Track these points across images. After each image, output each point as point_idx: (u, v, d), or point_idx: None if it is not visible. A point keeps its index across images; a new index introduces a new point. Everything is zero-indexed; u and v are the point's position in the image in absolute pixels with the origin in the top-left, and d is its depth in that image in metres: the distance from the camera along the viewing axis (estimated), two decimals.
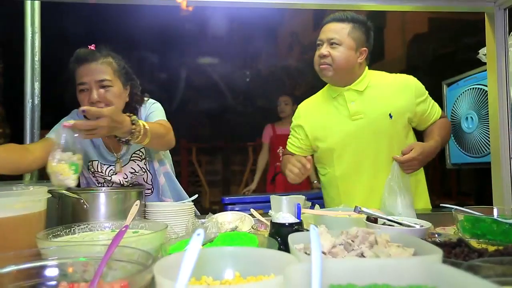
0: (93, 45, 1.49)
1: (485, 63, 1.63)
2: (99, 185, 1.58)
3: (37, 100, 1.43)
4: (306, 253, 0.76)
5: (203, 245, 0.94)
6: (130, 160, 1.58)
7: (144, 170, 1.61)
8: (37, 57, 1.41)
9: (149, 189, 1.64)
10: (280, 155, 3.85)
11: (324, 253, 0.77)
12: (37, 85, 1.41)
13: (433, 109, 1.77)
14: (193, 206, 1.28)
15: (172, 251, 0.86)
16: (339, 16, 1.73)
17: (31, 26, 1.39)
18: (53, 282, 0.67)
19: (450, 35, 5.80)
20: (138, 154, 1.60)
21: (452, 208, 1.07)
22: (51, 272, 0.69)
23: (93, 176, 1.59)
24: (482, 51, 1.84)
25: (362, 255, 0.76)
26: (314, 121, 1.84)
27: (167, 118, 1.63)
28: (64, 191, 1.08)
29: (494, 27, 1.35)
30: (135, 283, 0.61)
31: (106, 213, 1.12)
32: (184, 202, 1.40)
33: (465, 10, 1.40)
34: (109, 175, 1.56)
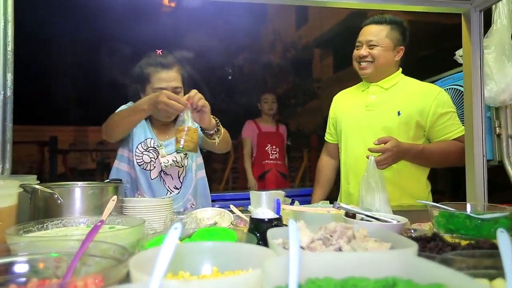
0: (160, 50, 1.74)
1: (461, 64, 1.68)
2: (143, 164, 1.74)
3: (9, 92, 1.37)
4: (284, 248, 0.76)
5: (181, 240, 0.93)
6: (175, 150, 1.74)
7: (181, 165, 1.78)
8: (10, 47, 1.35)
9: (177, 188, 1.78)
10: (269, 153, 3.84)
11: (302, 248, 0.77)
12: (9, 76, 1.35)
13: (451, 127, 1.77)
14: (172, 202, 1.26)
15: (149, 246, 0.84)
16: (377, 19, 1.86)
17: (3, 15, 1.33)
18: (23, 279, 0.65)
19: (429, 38, 5.94)
20: None
21: (428, 204, 1.10)
22: (21, 268, 0.66)
23: (143, 153, 1.75)
24: (459, 52, 1.90)
25: (340, 250, 0.77)
26: (340, 107, 2.06)
27: None
28: (36, 186, 1.05)
29: (470, 28, 1.38)
30: (110, 278, 0.59)
31: (82, 209, 1.08)
32: (163, 198, 1.38)
33: (443, 11, 1.43)
34: (156, 156, 1.74)
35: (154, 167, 1.75)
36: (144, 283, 0.50)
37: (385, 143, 1.59)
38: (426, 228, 1.17)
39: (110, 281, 0.59)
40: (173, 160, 1.76)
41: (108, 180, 1.47)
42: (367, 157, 1.45)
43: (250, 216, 0.98)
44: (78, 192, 1.09)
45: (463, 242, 0.83)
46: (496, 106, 1.95)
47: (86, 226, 0.97)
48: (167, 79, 1.67)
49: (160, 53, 1.74)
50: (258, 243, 0.86)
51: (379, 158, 1.54)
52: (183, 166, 1.79)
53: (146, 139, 1.77)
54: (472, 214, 0.97)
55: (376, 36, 1.82)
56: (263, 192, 1.00)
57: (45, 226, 0.92)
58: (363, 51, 1.83)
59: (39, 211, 1.08)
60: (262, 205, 1.00)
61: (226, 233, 0.90)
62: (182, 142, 1.39)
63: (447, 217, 1.00)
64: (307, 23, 11.98)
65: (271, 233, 0.79)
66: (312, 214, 1.14)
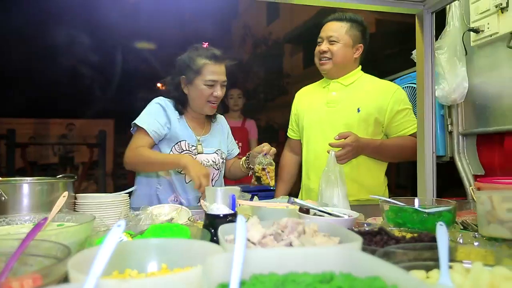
0: (207, 43, 1.75)
1: None
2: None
3: None
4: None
5: (133, 237, 0.91)
6: (215, 152, 1.81)
7: (217, 168, 1.81)
8: None
9: None
10: None
11: (254, 243, 0.78)
12: None
13: (407, 124, 1.84)
14: (128, 198, 1.23)
15: (98, 244, 0.82)
16: (338, 16, 1.89)
17: None
18: None
19: (394, 36, 6.11)
20: (220, 152, 1.83)
21: (380, 198, 1.14)
22: None
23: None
24: (415, 52, 1.97)
25: (290, 245, 0.78)
26: (302, 104, 2.07)
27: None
28: None
29: (423, 29, 1.44)
30: (48, 277, 0.57)
31: (29, 206, 1.04)
32: (120, 194, 1.34)
33: (397, 11, 1.47)
34: (195, 154, 1.73)
35: None
36: (80, 282, 0.49)
37: (345, 138, 1.63)
38: (379, 222, 1.20)
39: (49, 281, 0.57)
40: (212, 161, 1.78)
41: (60, 176, 1.41)
42: (328, 152, 1.48)
43: (205, 212, 0.98)
44: (25, 189, 1.04)
45: (409, 235, 0.87)
46: (448, 105, 2.04)
47: (33, 224, 0.93)
48: (218, 72, 1.69)
49: (207, 45, 1.75)
50: (212, 239, 0.86)
51: (339, 153, 1.59)
52: (218, 170, 1.82)
53: (179, 141, 1.73)
54: (418, 208, 1.01)
55: (336, 32, 1.86)
56: (218, 188, 1.00)
57: None
58: (323, 46, 1.87)
59: None
60: (217, 200, 0.99)
61: (179, 230, 0.89)
62: (272, 181, 1.62)
63: (396, 211, 1.04)
64: (278, 18, 12.02)
65: (223, 229, 0.78)
66: (269, 210, 1.15)
